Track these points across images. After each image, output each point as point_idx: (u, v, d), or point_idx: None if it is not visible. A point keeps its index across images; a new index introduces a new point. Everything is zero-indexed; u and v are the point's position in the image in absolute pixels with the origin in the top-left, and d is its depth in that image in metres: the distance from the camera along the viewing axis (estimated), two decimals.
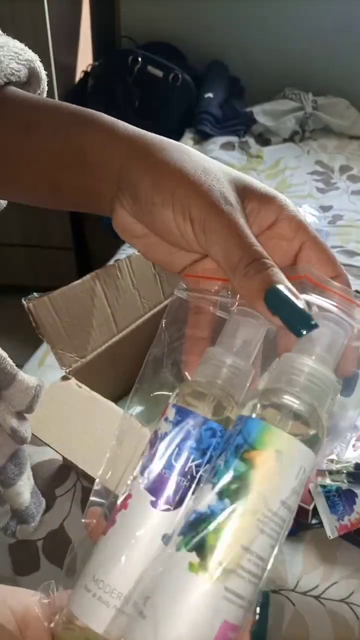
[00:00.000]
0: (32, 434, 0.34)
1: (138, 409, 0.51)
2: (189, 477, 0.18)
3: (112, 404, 0.37)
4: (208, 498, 0.16)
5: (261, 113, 1.15)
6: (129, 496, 0.18)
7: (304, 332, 0.16)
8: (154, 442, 0.19)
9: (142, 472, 0.19)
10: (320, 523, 0.41)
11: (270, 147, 1.12)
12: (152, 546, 0.17)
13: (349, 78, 1.23)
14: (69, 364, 0.40)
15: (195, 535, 0.16)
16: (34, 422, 0.34)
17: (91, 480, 0.43)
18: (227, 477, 0.16)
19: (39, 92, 0.26)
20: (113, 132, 0.20)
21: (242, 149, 1.10)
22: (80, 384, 0.38)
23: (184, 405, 0.19)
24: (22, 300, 0.38)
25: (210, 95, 1.13)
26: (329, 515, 0.40)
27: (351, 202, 0.95)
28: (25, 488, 0.37)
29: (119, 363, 0.46)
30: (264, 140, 1.15)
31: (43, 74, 0.26)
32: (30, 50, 0.25)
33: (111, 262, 0.47)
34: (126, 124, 0.21)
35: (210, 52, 1.23)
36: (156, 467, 0.18)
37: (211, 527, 0.16)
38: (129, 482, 0.19)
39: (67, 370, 0.40)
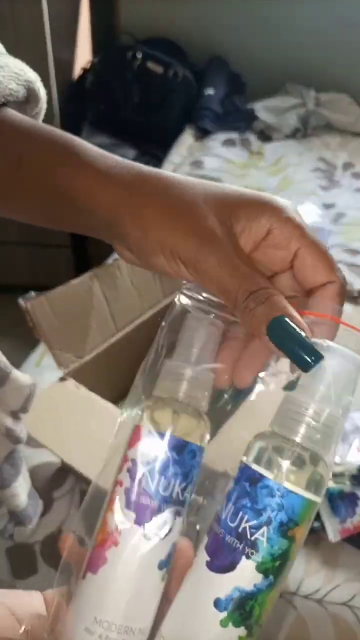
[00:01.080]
0: (30, 435, 0.33)
1: (135, 411, 0.50)
2: (177, 501, 0.18)
3: (111, 405, 0.36)
4: (252, 576, 0.17)
5: (262, 109, 1.14)
6: (116, 532, 0.18)
7: (311, 367, 0.16)
8: (133, 471, 0.19)
9: (127, 506, 0.18)
10: (322, 526, 0.41)
11: (272, 143, 1.11)
12: (153, 576, 0.18)
13: (351, 74, 1.21)
14: (66, 365, 0.40)
15: (243, 613, 0.17)
16: (32, 424, 0.34)
17: (90, 482, 0.43)
18: (271, 555, 0.17)
19: (36, 110, 0.26)
20: (102, 177, 0.19)
21: (243, 146, 1.09)
22: (78, 384, 0.37)
23: (153, 426, 0.19)
24: (19, 299, 0.37)
25: (211, 91, 1.12)
26: (331, 518, 0.39)
27: (355, 199, 0.94)
28: (21, 489, 0.36)
29: (118, 363, 0.46)
30: (265, 136, 1.14)
31: (42, 94, 0.26)
32: (31, 71, 0.25)
33: (109, 260, 0.46)
34: (116, 158, 0.21)
35: (210, 47, 1.22)
36: (142, 499, 0.18)
37: (257, 602, 0.17)
38: (112, 514, 0.18)
39: (65, 371, 0.39)
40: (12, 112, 0.22)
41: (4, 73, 0.22)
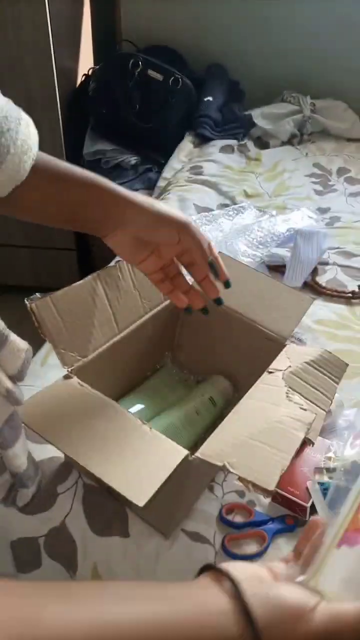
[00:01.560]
0: (35, 431, 0.34)
1: (139, 406, 0.51)
2: None
3: (114, 402, 0.37)
4: None
5: (260, 116, 1.16)
6: None
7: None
8: None
9: None
10: None
11: (268, 150, 1.13)
12: None
13: (346, 81, 1.24)
14: (70, 363, 0.41)
15: None
16: (37, 421, 0.35)
17: (93, 478, 0.43)
18: None
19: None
20: (118, 197, 0.37)
21: (241, 152, 1.11)
22: (82, 382, 0.38)
23: None
24: (25, 300, 0.38)
25: (210, 98, 1.14)
26: (327, 512, 0.40)
27: (349, 204, 0.96)
28: (21, 452, 0.38)
29: (120, 362, 0.47)
30: (262, 143, 1.16)
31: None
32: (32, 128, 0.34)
33: (112, 263, 0.48)
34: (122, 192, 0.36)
35: (209, 55, 1.24)
36: None
37: None
38: None
39: (69, 370, 0.40)
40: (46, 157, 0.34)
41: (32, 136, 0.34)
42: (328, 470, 0.43)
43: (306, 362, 0.43)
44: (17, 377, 0.33)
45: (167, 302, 0.50)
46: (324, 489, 0.41)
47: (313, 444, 0.35)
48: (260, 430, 0.34)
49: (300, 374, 0.41)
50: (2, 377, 0.32)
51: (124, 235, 0.36)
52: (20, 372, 0.33)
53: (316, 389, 0.41)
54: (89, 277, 0.43)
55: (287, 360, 0.42)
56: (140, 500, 0.29)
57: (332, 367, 0.44)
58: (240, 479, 0.31)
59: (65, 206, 0.34)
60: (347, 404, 0.52)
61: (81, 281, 0.42)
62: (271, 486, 0.30)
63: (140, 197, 0.35)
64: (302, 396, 0.39)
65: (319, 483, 0.41)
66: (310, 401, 0.39)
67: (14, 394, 0.33)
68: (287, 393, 0.38)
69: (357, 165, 1.09)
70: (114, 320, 0.45)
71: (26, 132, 0.31)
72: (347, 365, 0.45)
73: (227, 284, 0.39)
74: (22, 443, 0.38)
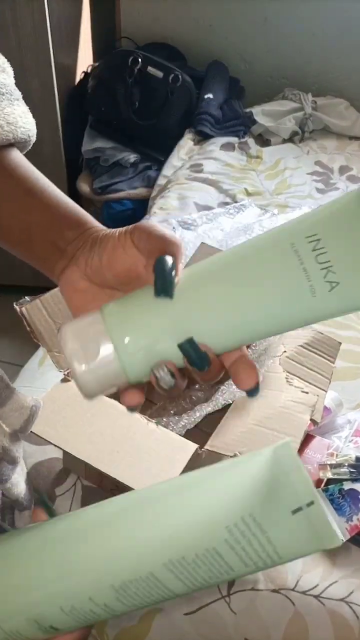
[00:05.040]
0: (45, 439, 0.34)
1: None
2: None
3: (114, 401, 0.37)
4: None
5: (261, 114, 1.15)
6: None
7: (160, 296, 0.20)
8: None
9: None
10: None
11: (269, 147, 1.12)
12: None
13: (348, 78, 1.23)
14: (65, 366, 0.40)
15: None
16: (38, 424, 0.34)
17: (92, 479, 0.43)
18: None
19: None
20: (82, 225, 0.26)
21: (241, 150, 1.10)
22: None
23: None
24: (15, 305, 0.38)
25: (210, 95, 1.13)
26: (337, 517, 0.40)
27: None
28: (20, 478, 0.37)
29: None
30: (263, 140, 1.15)
31: (32, 138, 0.32)
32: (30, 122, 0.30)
33: None
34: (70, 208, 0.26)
35: (210, 52, 1.23)
36: None
37: None
38: None
39: (65, 372, 0.40)
40: (19, 156, 0.28)
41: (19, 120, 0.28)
42: (332, 466, 0.42)
43: (300, 346, 0.43)
44: (20, 431, 0.32)
45: None
46: (330, 495, 0.41)
47: (317, 423, 0.36)
48: (266, 417, 0.35)
49: (296, 357, 0.42)
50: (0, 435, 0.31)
51: (75, 273, 0.24)
52: (25, 427, 0.32)
53: (313, 370, 0.41)
54: None
55: (281, 346, 0.42)
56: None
57: (326, 348, 0.44)
58: None
59: (22, 222, 0.26)
60: (349, 405, 0.52)
61: None
62: None
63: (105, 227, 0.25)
64: (301, 379, 0.39)
65: (323, 490, 0.41)
66: (310, 383, 0.40)
67: (10, 453, 0.32)
68: (286, 378, 0.39)
69: (358, 163, 1.08)
70: None
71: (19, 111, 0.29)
72: (340, 343, 0.45)
73: (199, 364, 0.21)
74: (21, 467, 0.37)
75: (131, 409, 0.22)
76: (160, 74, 1.07)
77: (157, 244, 0.21)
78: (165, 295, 0.20)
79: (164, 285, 0.20)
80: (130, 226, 0.23)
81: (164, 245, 0.21)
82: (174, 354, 0.20)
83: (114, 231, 0.23)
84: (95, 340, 0.20)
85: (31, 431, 0.33)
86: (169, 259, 0.20)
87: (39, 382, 0.49)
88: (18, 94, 0.30)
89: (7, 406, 0.31)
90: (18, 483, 0.36)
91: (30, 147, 0.31)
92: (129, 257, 0.22)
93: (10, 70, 0.31)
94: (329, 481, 0.42)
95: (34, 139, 0.30)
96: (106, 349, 0.19)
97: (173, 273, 0.20)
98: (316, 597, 0.39)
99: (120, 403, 0.22)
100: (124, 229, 0.23)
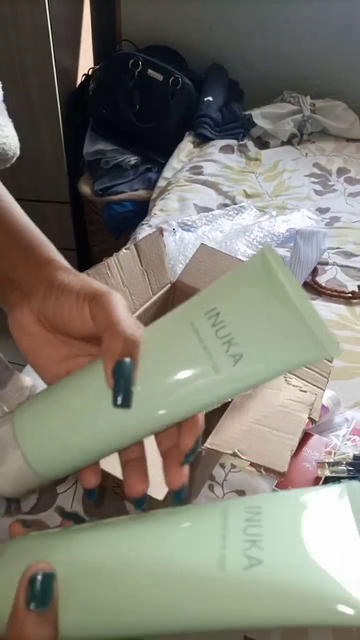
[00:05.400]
0: None
1: None
2: None
3: None
4: None
5: (260, 116, 1.16)
6: None
7: (116, 405, 0.18)
8: None
9: None
10: None
11: (268, 150, 1.13)
12: None
13: (346, 81, 1.24)
14: None
15: None
16: None
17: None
18: None
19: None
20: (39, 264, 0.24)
21: (241, 152, 1.11)
22: None
23: None
24: None
25: (210, 98, 1.14)
26: None
27: (348, 204, 0.96)
28: None
29: None
30: (262, 143, 1.16)
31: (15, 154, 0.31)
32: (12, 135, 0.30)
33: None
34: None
35: (209, 55, 1.24)
36: None
37: None
38: None
39: None
40: None
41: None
42: (330, 464, 0.43)
43: None
44: None
45: (155, 297, 0.50)
46: None
47: (316, 422, 0.36)
48: (265, 415, 0.35)
49: None
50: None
51: (26, 315, 0.22)
52: None
53: (311, 369, 0.41)
54: None
55: None
56: (159, 494, 0.30)
57: None
58: (252, 464, 0.31)
59: None
60: (347, 403, 0.53)
61: None
62: (283, 468, 0.31)
63: (71, 268, 0.24)
64: (300, 378, 0.40)
65: None
66: (308, 382, 0.40)
67: None
68: (285, 377, 0.39)
69: (356, 165, 1.09)
70: None
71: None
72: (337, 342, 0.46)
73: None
74: None
75: (138, 503, 0.21)
76: (160, 77, 1.08)
77: (115, 340, 0.19)
78: (125, 407, 0.18)
79: (125, 398, 0.18)
80: (92, 292, 0.21)
81: (123, 345, 0.19)
82: (81, 452, 0.20)
83: (71, 287, 0.21)
84: (4, 446, 0.20)
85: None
86: (128, 366, 0.18)
87: (40, 381, 0.50)
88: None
89: (8, 387, 0.31)
90: None
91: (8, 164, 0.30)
92: (83, 324, 0.20)
93: None
94: (327, 479, 0.42)
95: (11, 154, 0.30)
96: (15, 454, 0.20)
97: (132, 380, 0.18)
98: None
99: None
100: (83, 292, 0.21)
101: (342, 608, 0.15)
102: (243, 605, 0.16)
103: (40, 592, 0.17)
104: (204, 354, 0.18)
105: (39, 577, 0.17)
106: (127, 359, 0.19)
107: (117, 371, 0.18)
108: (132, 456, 0.22)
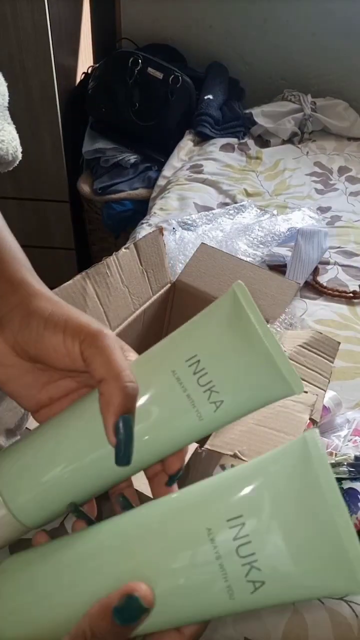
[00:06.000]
0: (29, 429, 0.34)
1: None
2: None
3: None
4: None
5: (260, 115, 1.16)
6: None
7: (119, 464, 0.18)
8: None
9: None
10: None
11: (269, 148, 1.13)
12: None
13: (347, 80, 1.23)
14: None
15: None
16: (32, 420, 0.35)
17: None
18: None
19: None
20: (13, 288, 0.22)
21: (241, 151, 1.11)
22: None
23: None
24: None
25: (210, 96, 1.13)
26: None
27: (350, 203, 0.96)
28: None
29: None
30: (263, 141, 1.15)
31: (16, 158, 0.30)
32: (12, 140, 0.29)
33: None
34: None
35: (209, 53, 1.24)
36: None
37: None
38: None
39: None
40: None
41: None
42: (332, 465, 0.42)
43: (300, 345, 0.43)
44: (15, 429, 0.32)
45: (155, 296, 0.49)
46: None
47: (317, 423, 0.36)
48: (265, 416, 0.35)
49: (295, 357, 0.42)
50: None
51: (3, 345, 0.21)
52: (19, 425, 0.32)
53: (313, 370, 0.41)
54: (78, 276, 0.43)
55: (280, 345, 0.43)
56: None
57: (325, 347, 0.44)
58: None
59: None
60: (348, 404, 0.52)
61: (70, 281, 0.42)
62: None
63: (48, 292, 0.22)
64: (301, 379, 0.39)
65: None
66: (309, 382, 0.40)
67: None
68: None
69: (358, 164, 1.08)
70: (106, 318, 0.45)
71: None
72: (339, 343, 0.46)
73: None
74: None
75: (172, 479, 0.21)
76: (160, 75, 1.07)
77: (117, 394, 0.18)
78: (126, 464, 0.18)
79: (127, 455, 0.18)
80: (82, 330, 0.19)
81: (124, 400, 0.18)
82: (64, 500, 0.20)
83: (55, 322, 0.19)
84: None
85: (26, 427, 0.34)
86: (130, 421, 0.18)
87: None
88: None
89: (2, 406, 0.31)
90: None
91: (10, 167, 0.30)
92: (71, 362, 0.19)
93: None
94: None
95: (10, 158, 0.29)
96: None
97: (133, 436, 0.18)
98: None
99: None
100: (70, 329, 0.19)
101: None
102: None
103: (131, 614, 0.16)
104: (187, 403, 0.19)
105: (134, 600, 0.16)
106: (129, 415, 0.18)
107: (121, 427, 0.18)
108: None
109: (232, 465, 0.45)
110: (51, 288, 0.40)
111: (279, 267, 0.75)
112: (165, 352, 0.20)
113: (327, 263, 0.78)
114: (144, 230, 0.82)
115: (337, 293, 0.71)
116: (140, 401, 0.19)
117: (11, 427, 0.32)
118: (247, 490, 0.17)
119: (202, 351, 0.19)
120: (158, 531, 0.17)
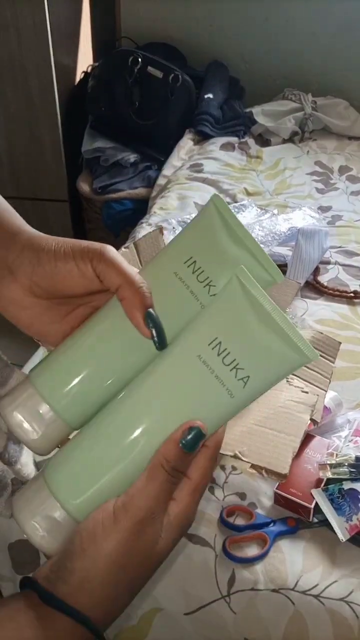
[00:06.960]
0: None
1: None
2: None
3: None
4: None
5: (261, 114, 1.15)
6: None
7: (160, 349, 0.22)
8: None
9: None
10: (321, 522, 0.41)
11: (269, 147, 1.12)
12: None
13: (348, 79, 1.23)
14: None
15: None
16: None
17: None
18: None
19: None
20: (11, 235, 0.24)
21: (241, 150, 1.10)
22: None
23: None
24: None
25: (210, 95, 1.13)
26: (337, 517, 0.40)
27: (350, 202, 0.95)
28: (28, 459, 0.37)
29: None
30: (263, 140, 1.15)
31: None
32: None
33: None
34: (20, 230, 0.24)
35: (210, 52, 1.23)
36: None
37: None
38: None
39: None
40: None
41: None
42: (332, 466, 0.42)
43: None
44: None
45: None
46: (330, 494, 0.41)
47: (318, 423, 0.36)
48: (266, 417, 0.35)
49: None
50: None
51: (17, 290, 0.22)
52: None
53: (313, 370, 0.41)
54: None
55: None
56: (283, 469, 0.31)
57: (326, 347, 0.44)
58: (253, 466, 0.31)
59: None
60: (349, 405, 0.52)
61: None
62: (285, 470, 0.31)
63: (43, 234, 0.23)
64: (301, 379, 0.39)
65: (323, 490, 0.41)
66: (310, 383, 0.39)
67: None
68: (286, 378, 0.39)
69: (358, 163, 1.08)
70: None
71: None
72: (340, 343, 0.45)
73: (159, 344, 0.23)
74: (27, 451, 0.37)
75: None
76: (160, 74, 1.07)
77: (136, 294, 0.21)
78: (164, 347, 0.22)
79: (163, 339, 0.22)
80: (88, 250, 0.22)
81: (143, 298, 0.21)
82: (102, 395, 0.23)
83: (63, 251, 0.22)
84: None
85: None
86: (155, 313, 0.21)
87: None
88: None
89: (9, 385, 0.31)
90: (27, 464, 0.36)
91: None
92: (87, 283, 0.22)
93: None
94: (329, 481, 0.42)
95: None
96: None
97: (161, 324, 0.22)
98: (316, 596, 0.39)
99: None
100: (79, 253, 0.22)
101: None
102: None
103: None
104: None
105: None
106: (151, 309, 0.21)
107: (149, 320, 0.21)
108: None
109: (232, 466, 0.45)
110: None
111: (279, 267, 0.74)
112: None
113: (328, 263, 0.78)
114: (143, 230, 0.81)
115: (337, 293, 0.71)
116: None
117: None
118: (215, 321, 0.22)
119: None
120: (174, 384, 0.22)
